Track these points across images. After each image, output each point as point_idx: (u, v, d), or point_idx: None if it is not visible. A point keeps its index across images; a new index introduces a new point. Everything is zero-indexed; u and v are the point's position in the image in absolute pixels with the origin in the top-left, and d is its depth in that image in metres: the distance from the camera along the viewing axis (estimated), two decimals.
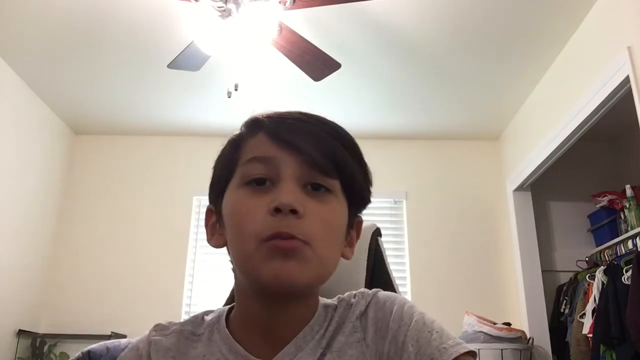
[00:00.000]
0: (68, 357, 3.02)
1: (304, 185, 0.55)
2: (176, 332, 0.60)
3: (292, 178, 0.54)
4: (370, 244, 0.88)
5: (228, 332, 0.58)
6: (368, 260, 0.85)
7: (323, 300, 0.62)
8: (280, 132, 0.56)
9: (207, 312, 0.63)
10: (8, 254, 2.95)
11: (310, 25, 2.46)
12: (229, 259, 0.58)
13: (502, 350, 2.75)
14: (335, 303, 0.62)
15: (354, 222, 0.62)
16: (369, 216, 3.49)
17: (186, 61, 2.34)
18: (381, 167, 3.64)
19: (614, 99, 2.29)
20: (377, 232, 0.90)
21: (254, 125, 0.59)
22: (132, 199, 3.56)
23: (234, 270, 0.58)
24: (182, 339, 0.59)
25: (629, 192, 2.89)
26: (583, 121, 2.49)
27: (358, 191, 0.59)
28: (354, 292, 0.63)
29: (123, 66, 2.89)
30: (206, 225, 0.62)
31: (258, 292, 0.55)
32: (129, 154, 3.68)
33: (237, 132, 0.62)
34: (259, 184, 0.55)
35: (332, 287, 0.86)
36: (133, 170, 3.64)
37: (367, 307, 0.59)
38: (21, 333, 3.02)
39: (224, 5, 2.02)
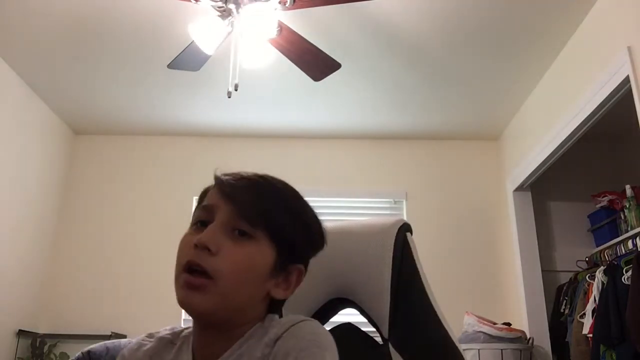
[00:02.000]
0: (68, 357, 3.02)
1: (232, 229, 0.65)
2: (159, 338, 0.72)
3: (221, 223, 0.65)
4: (396, 240, 0.82)
5: (189, 343, 0.69)
6: (394, 258, 0.81)
7: (270, 319, 0.68)
8: (224, 185, 0.68)
9: (188, 327, 0.73)
10: (8, 254, 2.95)
11: (310, 25, 2.46)
12: None
13: (502, 350, 2.75)
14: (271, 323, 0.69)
15: (292, 269, 0.69)
16: (370, 216, 3.51)
17: (186, 61, 2.34)
18: (381, 167, 3.66)
19: (614, 99, 2.29)
20: (405, 227, 0.83)
21: (215, 180, 0.72)
22: (132, 199, 3.56)
23: None
24: (161, 344, 0.71)
25: (629, 192, 2.89)
26: (583, 121, 2.49)
27: (286, 241, 0.67)
28: (288, 318, 0.68)
29: (123, 66, 2.89)
30: None
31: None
32: (129, 154, 3.67)
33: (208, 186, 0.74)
34: (202, 224, 0.67)
35: (354, 287, 0.83)
36: (133, 170, 3.64)
37: (279, 338, 0.63)
38: (21, 333, 3.02)
39: (224, 5, 2.02)
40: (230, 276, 0.63)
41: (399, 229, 0.84)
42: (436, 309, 0.80)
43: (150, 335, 0.73)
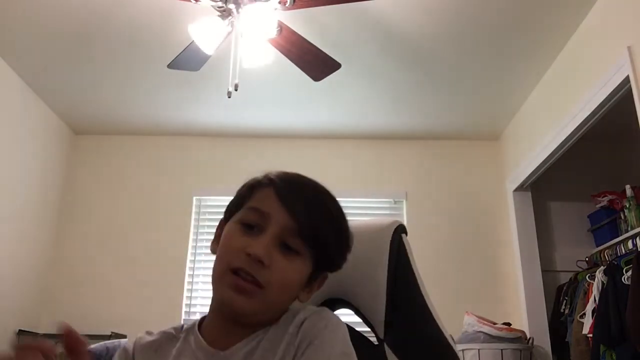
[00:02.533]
0: None
1: (281, 242, 0.67)
2: (161, 332, 0.74)
3: (273, 235, 0.67)
4: (392, 241, 0.83)
5: (198, 332, 0.71)
6: (389, 259, 0.82)
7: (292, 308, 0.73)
8: (283, 194, 0.69)
9: (187, 322, 0.76)
10: (8, 254, 2.95)
11: (310, 25, 2.46)
12: None
13: (502, 350, 2.75)
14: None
15: (320, 277, 0.73)
16: (370, 216, 3.51)
17: (186, 61, 2.34)
18: (381, 167, 3.66)
19: (614, 99, 2.29)
20: (400, 229, 0.85)
21: (268, 180, 0.73)
22: (132, 198, 3.56)
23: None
24: (164, 338, 0.73)
25: (629, 192, 2.89)
26: (583, 121, 2.49)
27: (328, 258, 0.71)
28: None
29: (123, 66, 2.89)
30: (215, 233, 0.76)
31: (221, 308, 0.69)
32: (129, 154, 3.68)
33: (258, 178, 0.74)
34: (250, 227, 0.68)
35: (350, 287, 0.84)
36: (133, 170, 3.64)
37: (305, 320, 0.68)
38: (21, 333, 3.02)
39: (224, 5, 2.02)
40: (278, 288, 0.66)
41: (395, 230, 0.84)
42: (431, 309, 0.80)
43: (149, 332, 0.74)
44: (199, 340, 0.70)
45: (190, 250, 3.46)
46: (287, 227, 0.67)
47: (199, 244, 3.48)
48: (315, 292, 0.74)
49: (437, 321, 0.79)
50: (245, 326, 0.68)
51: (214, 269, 0.69)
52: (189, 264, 3.43)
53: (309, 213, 0.68)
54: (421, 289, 0.81)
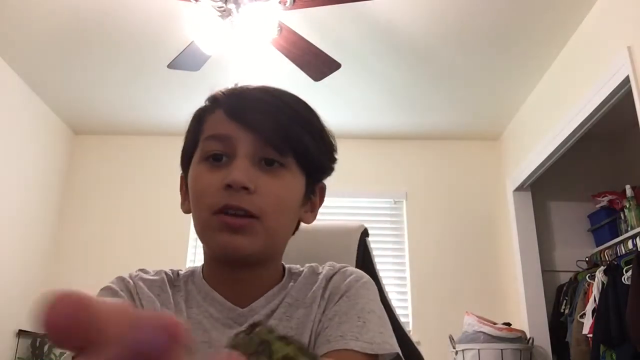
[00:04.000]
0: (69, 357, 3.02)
1: (258, 160, 0.59)
2: (159, 274, 0.65)
3: (246, 155, 0.58)
4: (359, 245, 0.89)
5: (206, 282, 0.63)
6: (357, 261, 0.87)
7: (289, 266, 0.67)
8: (236, 110, 0.60)
9: (179, 270, 0.68)
10: (8, 254, 2.95)
11: (310, 25, 2.46)
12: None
13: (502, 350, 2.75)
14: (302, 269, 0.67)
15: (316, 189, 0.66)
16: (370, 216, 3.52)
17: (186, 61, 2.34)
18: (381, 167, 3.66)
19: (614, 99, 2.29)
20: (364, 233, 0.92)
21: (213, 102, 0.63)
22: (133, 198, 3.55)
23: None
24: (165, 280, 0.64)
25: (629, 192, 2.89)
26: (583, 121, 2.49)
27: (314, 163, 0.63)
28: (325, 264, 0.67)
29: (123, 66, 2.89)
30: (180, 192, 0.69)
31: (219, 257, 0.61)
32: (129, 154, 3.67)
33: (202, 105, 0.65)
34: (216, 159, 0.59)
35: None
36: (133, 170, 3.64)
37: (335, 274, 0.64)
38: (21, 333, 3.02)
39: (224, 5, 2.02)
40: (275, 212, 0.58)
41: (361, 234, 0.91)
42: (394, 310, 0.85)
43: (144, 271, 0.66)
44: (211, 294, 0.61)
45: (190, 250, 3.46)
46: (255, 141, 0.58)
47: (198, 244, 3.47)
48: (318, 208, 0.66)
49: (401, 323, 0.85)
50: (256, 269, 0.61)
51: (196, 223, 0.60)
52: (189, 264, 3.42)
53: (271, 118, 0.59)
54: (384, 290, 0.86)
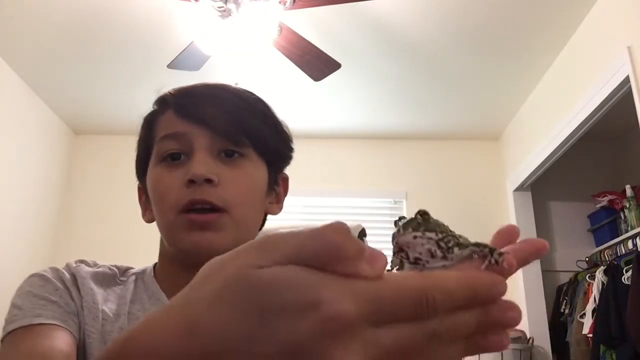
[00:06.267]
0: None
1: (217, 153, 0.58)
2: (103, 267, 0.64)
3: (204, 149, 0.57)
4: None
5: (155, 282, 0.61)
6: None
7: None
8: (187, 107, 0.59)
9: (129, 268, 0.67)
10: (9, 254, 2.95)
11: (310, 25, 2.46)
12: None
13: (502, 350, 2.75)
14: None
15: (279, 179, 0.65)
16: (370, 215, 3.51)
17: (186, 61, 2.34)
18: (381, 167, 3.66)
19: (614, 99, 2.29)
20: (362, 233, 0.92)
21: (162, 103, 0.63)
22: (133, 199, 3.53)
23: (162, 240, 0.62)
24: (108, 275, 0.63)
25: (629, 192, 2.89)
26: (583, 121, 2.49)
27: (273, 152, 0.62)
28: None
29: (123, 66, 2.89)
30: (140, 203, 0.67)
31: (183, 258, 0.58)
32: (129, 154, 3.62)
33: (150, 109, 0.65)
34: (174, 159, 0.58)
35: None
36: (134, 170, 3.63)
37: None
38: None
39: (224, 5, 2.02)
40: (241, 203, 0.57)
41: (359, 234, 0.91)
42: None
43: (83, 262, 0.65)
44: (157, 295, 0.60)
45: None
46: (211, 135, 0.57)
47: None
48: (283, 200, 0.66)
49: None
50: None
51: (161, 227, 0.59)
52: None
53: (223, 110, 0.59)
54: None
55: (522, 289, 3.12)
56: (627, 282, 2.38)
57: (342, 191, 3.51)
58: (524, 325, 3.03)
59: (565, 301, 2.95)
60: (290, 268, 0.22)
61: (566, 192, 3.43)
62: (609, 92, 2.24)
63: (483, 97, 3.17)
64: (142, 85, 3.08)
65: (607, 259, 2.81)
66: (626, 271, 2.42)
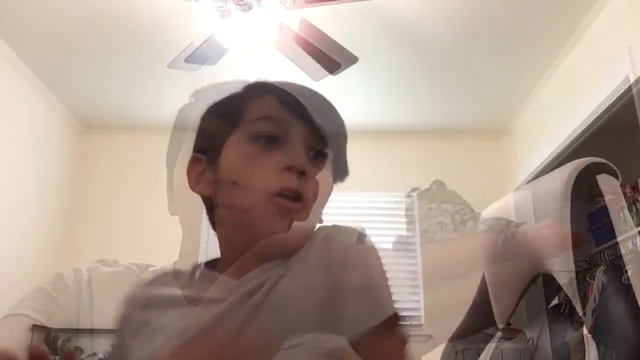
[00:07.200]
0: (83, 351, 3.05)
1: (308, 150, 0.59)
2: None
3: (301, 142, 0.58)
4: None
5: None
6: None
7: None
8: (290, 98, 0.60)
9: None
10: (14, 252, 2.97)
11: (315, 21, 2.47)
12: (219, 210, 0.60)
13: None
14: None
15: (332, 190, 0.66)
16: (375, 210, 3.47)
17: (203, 55, 2.34)
18: (386, 163, 3.63)
19: (622, 100, 2.29)
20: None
21: (260, 88, 0.64)
22: (143, 196, 3.55)
23: (221, 223, 0.61)
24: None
25: (629, 192, 2.87)
26: (593, 121, 2.49)
27: (343, 164, 0.65)
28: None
29: (134, 61, 2.92)
30: (189, 173, 0.63)
31: (249, 243, 0.57)
32: (139, 150, 3.64)
33: (246, 88, 0.64)
34: (270, 141, 0.58)
35: None
36: (143, 166, 3.62)
37: (327, 234, 0.60)
38: (35, 328, 3.05)
39: (224, 5, 2.05)
40: (314, 202, 0.58)
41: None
42: None
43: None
44: (205, 272, 0.60)
45: (202, 246, 3.47)
46: (307, 130, 0.59)
47: (209, 244, 3.48)
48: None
49: None
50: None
51: (236, 205, 0.57)
52: (201, 259, 3.44)
53: (321, 115, 0.61)
54: None
55: None
56: (627, 282, 2.38)
57: (345, 187, 3.50)
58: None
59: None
60: None
61: None
62: (612, 91, 2.25)
63: (488, 94, 3.16)
64: (153, 81, 3.09)
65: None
66: (626, 271, 2.41)
